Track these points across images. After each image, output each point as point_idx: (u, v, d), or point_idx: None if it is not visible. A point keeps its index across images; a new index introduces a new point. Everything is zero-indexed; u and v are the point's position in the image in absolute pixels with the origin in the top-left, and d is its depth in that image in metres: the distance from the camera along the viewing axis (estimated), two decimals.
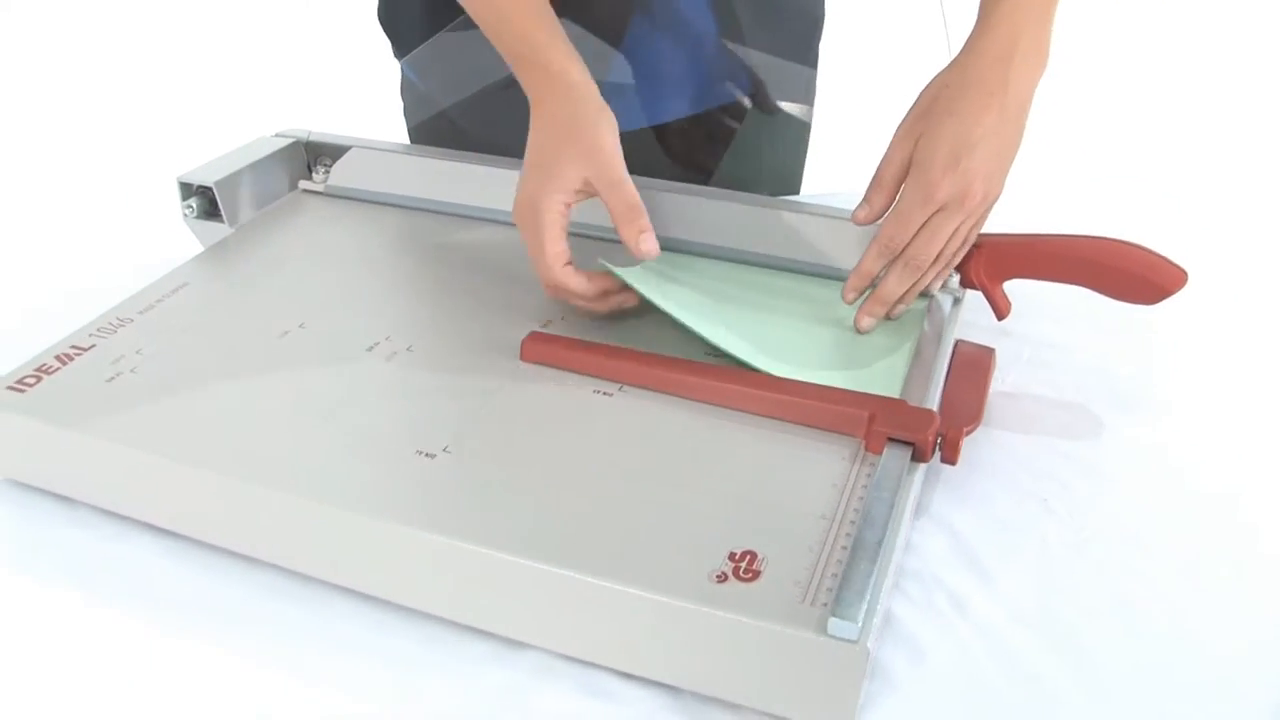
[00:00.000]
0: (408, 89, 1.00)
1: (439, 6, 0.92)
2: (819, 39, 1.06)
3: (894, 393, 0.63)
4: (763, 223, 0.76)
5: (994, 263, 0.73)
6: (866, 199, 0.70)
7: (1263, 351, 0.82)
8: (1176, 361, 0.80)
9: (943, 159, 0.65)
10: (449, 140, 0.97)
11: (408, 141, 1.05)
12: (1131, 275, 0.71)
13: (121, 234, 0.99)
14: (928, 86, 0.69)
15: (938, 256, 0.69)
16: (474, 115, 0.95)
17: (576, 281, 0.67)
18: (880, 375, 0.65)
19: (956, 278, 0.73)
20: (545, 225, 0.66)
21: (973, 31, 0.69)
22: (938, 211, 0.66)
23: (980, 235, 0.73)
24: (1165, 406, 0.75)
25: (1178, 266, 0.71)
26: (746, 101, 1.01)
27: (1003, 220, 0.72)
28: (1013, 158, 0.68)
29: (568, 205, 0.67)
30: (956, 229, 0.68)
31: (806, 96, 1.09)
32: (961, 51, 0.69)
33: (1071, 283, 0.72)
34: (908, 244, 0.68)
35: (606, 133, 0.67)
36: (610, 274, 0.68)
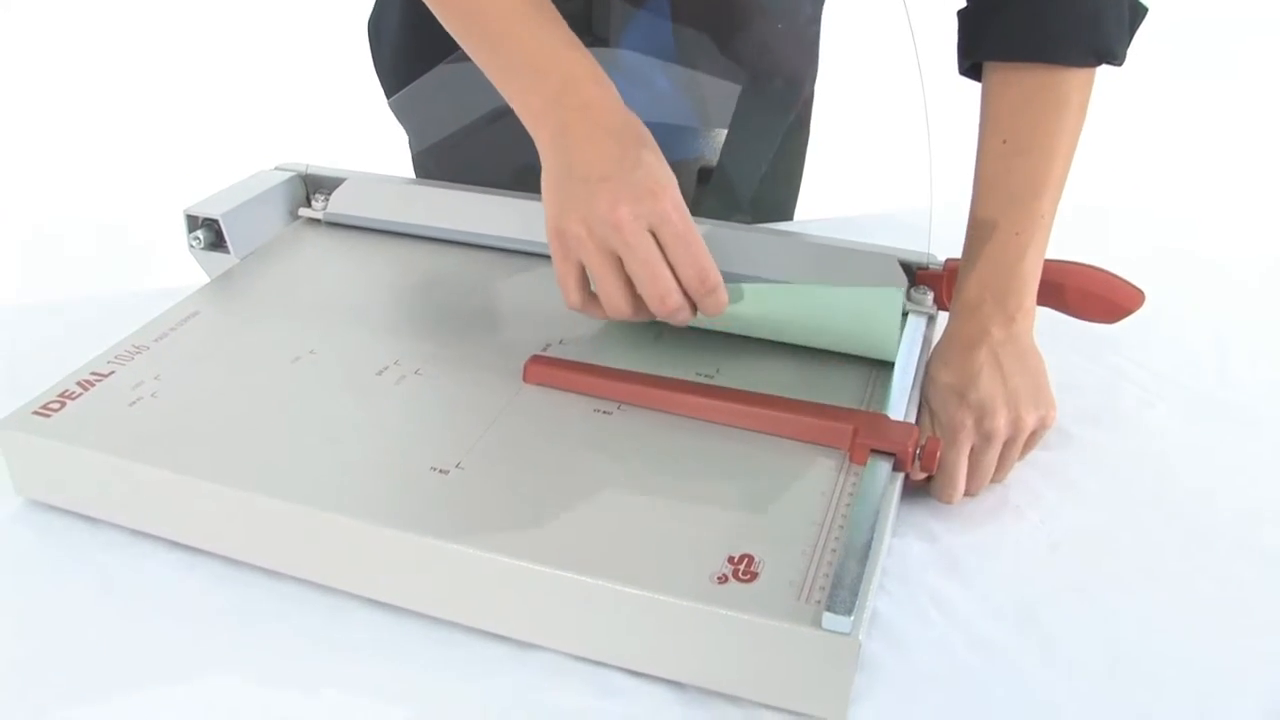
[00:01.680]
0: (413, 128, 1.04)
1: (414, 54, 0.96)
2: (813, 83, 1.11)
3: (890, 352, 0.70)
4: (759, 251, 0.80)
5: None
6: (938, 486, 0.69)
7: (1218, 363, 0.87)
8: (1138, 375, 0.85)
9: (952, 402, 0.68)
10: (451, 168, 1.01)
11: (411, 169, 1.09)
12: (1093, 296, 0.76)
13: (123, 262, 1.03)
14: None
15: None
16: (470, 144, 0.99)
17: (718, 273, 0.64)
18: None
19: (930, 295, 0.77)
20: (684, 213, 0.63)
21: (988, 293, 0.72)
22: (973, 450, 0.68)
23: (950, 259, 0.77)
24: (1128, 418, 0.80)
25: (1135, 287, 0.76)
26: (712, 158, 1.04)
27: None
28: (1036, 375, 0.70)
29: None
30: (1004, 456, 0.69)
31: (801, 124, 1.13)
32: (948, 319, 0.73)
33: (1038, 304, 0.76)
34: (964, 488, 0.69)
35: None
36: None
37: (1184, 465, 0.74)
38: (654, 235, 0.61)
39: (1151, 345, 0.88)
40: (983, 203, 0.73)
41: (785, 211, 1.17)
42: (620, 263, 0.62)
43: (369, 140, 1.11)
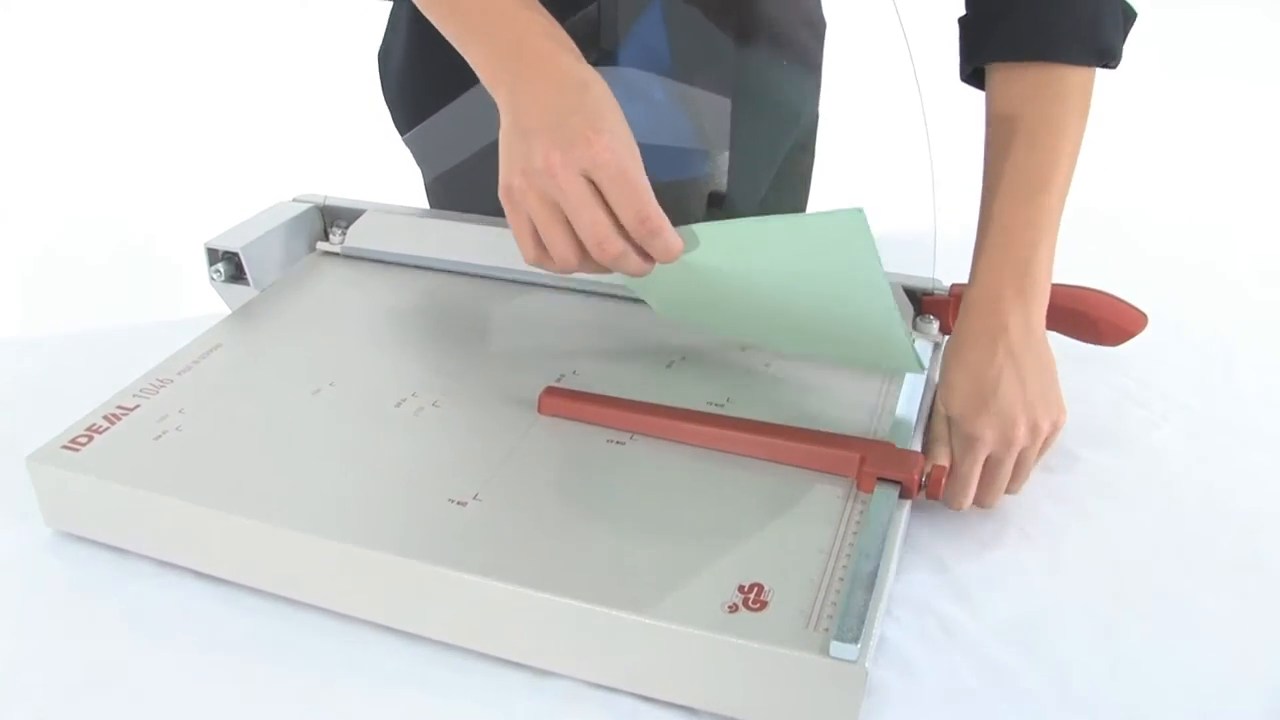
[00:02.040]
0: (424, 158, 1.06)
1: (421, 84, 0.98)
2: (817, 95, 1.12)
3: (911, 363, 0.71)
4: None
5: None
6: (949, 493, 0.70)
7: (1224, 381, 0.88)
8: (1143, 395, 0.86)
9: (972, 408, 0.68)
10: (462, 197, 1.03)
11: (425, 196, 1.11)
12: (1097, 320, 0.78)
13: (145, 288, 1.05)
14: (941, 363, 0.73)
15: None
16: (480, 173, 1.01)
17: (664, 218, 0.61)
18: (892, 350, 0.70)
19: (935, 324, 0.79)
20: (631, 157, 0.61)
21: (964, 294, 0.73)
22: (989, 459, 0.69)
23: (955, 285, 0.79)
24: (1134, 438, 0.81)
25: (1137, 310, 0.78)
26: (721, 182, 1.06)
27: None
28: (1049, 376, 0.70)
29: None
30: (1020, 464, 0.70)
31: (806, 147, 1.15)
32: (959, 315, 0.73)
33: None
34: (976, 496, 0.70)
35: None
36: None
37: (1190, 486, 0.75)
38: (591, 180, 0.60)
39: (1157, 364, 0.89)
40: (993, 197, 0.74)
41: None
42: (562, 212, 0.61)
43: (383, 163, 1.13)
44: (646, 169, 0.61)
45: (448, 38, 0.70)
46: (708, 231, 0.63)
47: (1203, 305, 0.99)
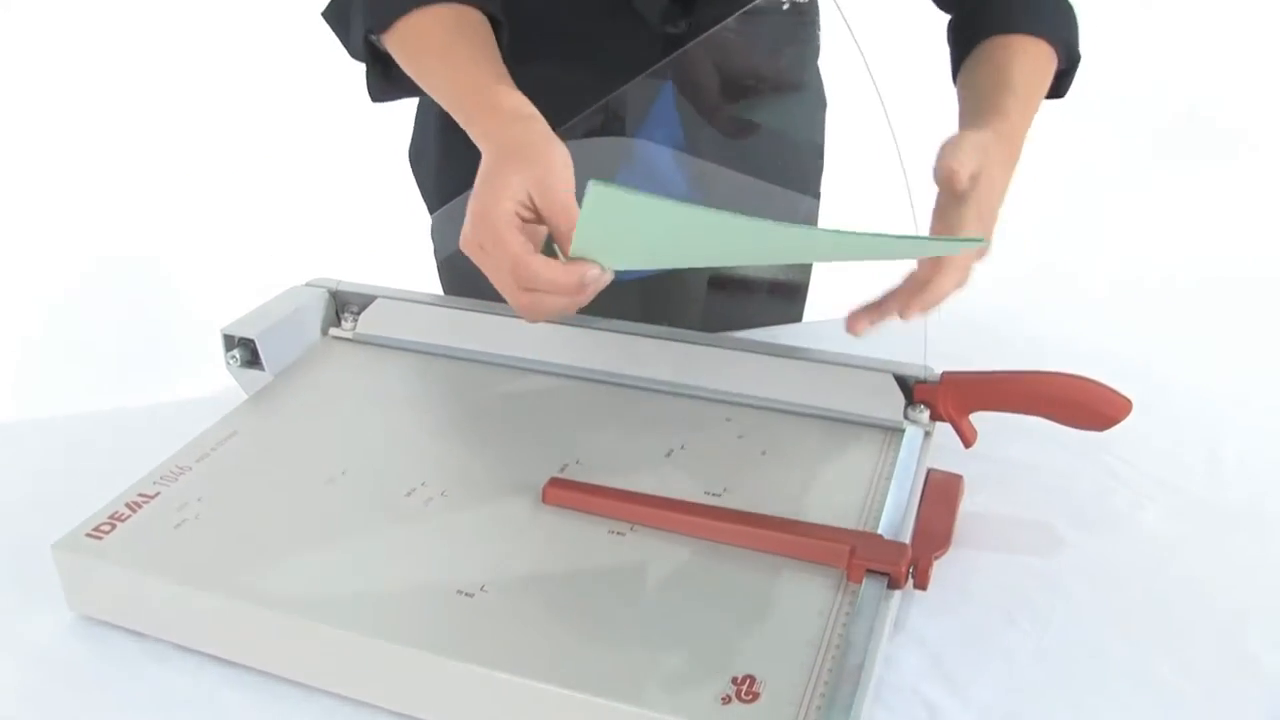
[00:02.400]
0: (438, 237, 1.10)
1: (458, 163, 1.03)
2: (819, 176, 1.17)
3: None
4: (750, 370, 0.85)
5: (960, 398, 0.81)
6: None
7: (1209, 462, 0.90)
8: (1129, 475, 0.88)
9: (987, 219, 0.77)
10: (474, 277, 1.07)
11: (437, 273, 1.15)
12: (1082, 407, 0.80)
13: (166, 366, 1.08)
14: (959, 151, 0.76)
15: None
16: None
17: (551, 271, 0.66)
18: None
19: (926, 412, 0.82)
20: (500, 227, 0.66)
21: (986, 115, 0.82)
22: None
23: (946, 373, 0.82)
24: (1119, 520, 0.83)
25: (1122, 396, 0.80)
26: None
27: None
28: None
29: (518, 215, 0.67)
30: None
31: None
32: (984, 131, 0.80)
33: (1030, 414, 0.81)
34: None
35: (558, 155, 0.69)
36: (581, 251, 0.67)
37: (1174, 569, 0.77)
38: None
39: (1143, 445, 0.90)
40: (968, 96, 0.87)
41: (794, 314, 1.21)
42: None
43: (397, 242, 1.17)
44: None
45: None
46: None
47: (1189, 384, 1.01)
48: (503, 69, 0.79)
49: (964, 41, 0.92)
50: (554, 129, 0.72)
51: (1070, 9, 0.94)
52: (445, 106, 0.80)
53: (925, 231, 0.77)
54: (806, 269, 1.23)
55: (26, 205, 2.09)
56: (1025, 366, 0.81)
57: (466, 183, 0.98)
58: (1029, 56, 0.89)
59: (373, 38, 0.86)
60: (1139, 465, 0.89)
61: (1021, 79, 0.86)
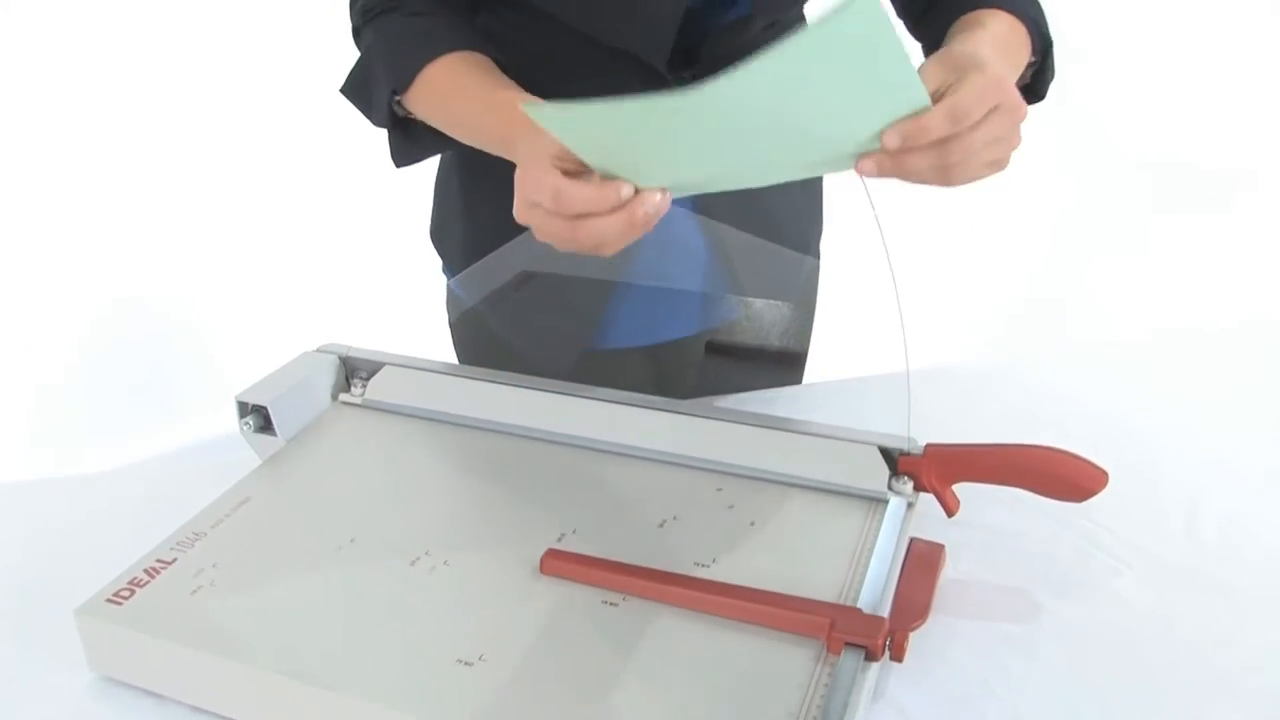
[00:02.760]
0: (451, 299, 1.15)
1: (483, 234, 1.08)
2: (819, 238, 1.20)
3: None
4: (745, 442, 0.89)
5: (943, 469, 0.85)
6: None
7: (1187, 528, 0.93)
8: (1107, 541, 0.91)
9: (995, 68, 0.71)
10: (489, 338, 1.11)
11: (449, 334, 1.20)
12: (1059, 479, 0.83)
13: (187, 432, 1.12)
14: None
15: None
16: (505, 314, 1.09)
17: (587, 191, 0.69)
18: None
19: (910, 483, 0.85)
20: (540, 171, 0.71)
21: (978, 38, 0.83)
22: (995, 110, 0.70)
23: (929, 445, 0.85)
24: (1096, 586, 0.86)
25: (1097, 468, 0.84)
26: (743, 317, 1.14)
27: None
28: None
29: (555, 165, 0.71)
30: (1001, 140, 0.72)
31: (809, 290, 1.22)
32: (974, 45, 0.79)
33: (1009, 485, 0.84)
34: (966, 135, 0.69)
35: None
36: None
37: (1150, 636, 0.80)
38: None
39: (1123, 510, 0.92)
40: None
41: (794, 378, 1.25)
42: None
43: (410, 301, 1.21)
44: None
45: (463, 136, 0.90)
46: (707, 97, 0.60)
47: (1167, 447, 1.04)
48: (519, 90, 0.86)
49: (931, 36, 0.94)
50: None
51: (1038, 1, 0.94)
52: (472, 138, 0.88)
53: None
54: (806, 336, 1.26)
55: (43, 256, 2.15)
56: (1011, 430, 0.84)
57: (491, 247, 1.03)
58: (998, 21, 0.87)
59: (396, 99, 0.91)
60: (1118, 531, 0.92)
61: (995, 34, 0.85)
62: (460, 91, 0.89)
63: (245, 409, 0.95)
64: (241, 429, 0.95)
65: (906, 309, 0.81)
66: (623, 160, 0.69)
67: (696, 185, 0.74)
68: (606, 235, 0.71)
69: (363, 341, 1.04)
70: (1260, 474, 1.01)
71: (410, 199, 1.26)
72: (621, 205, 0.70)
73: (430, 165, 1.16)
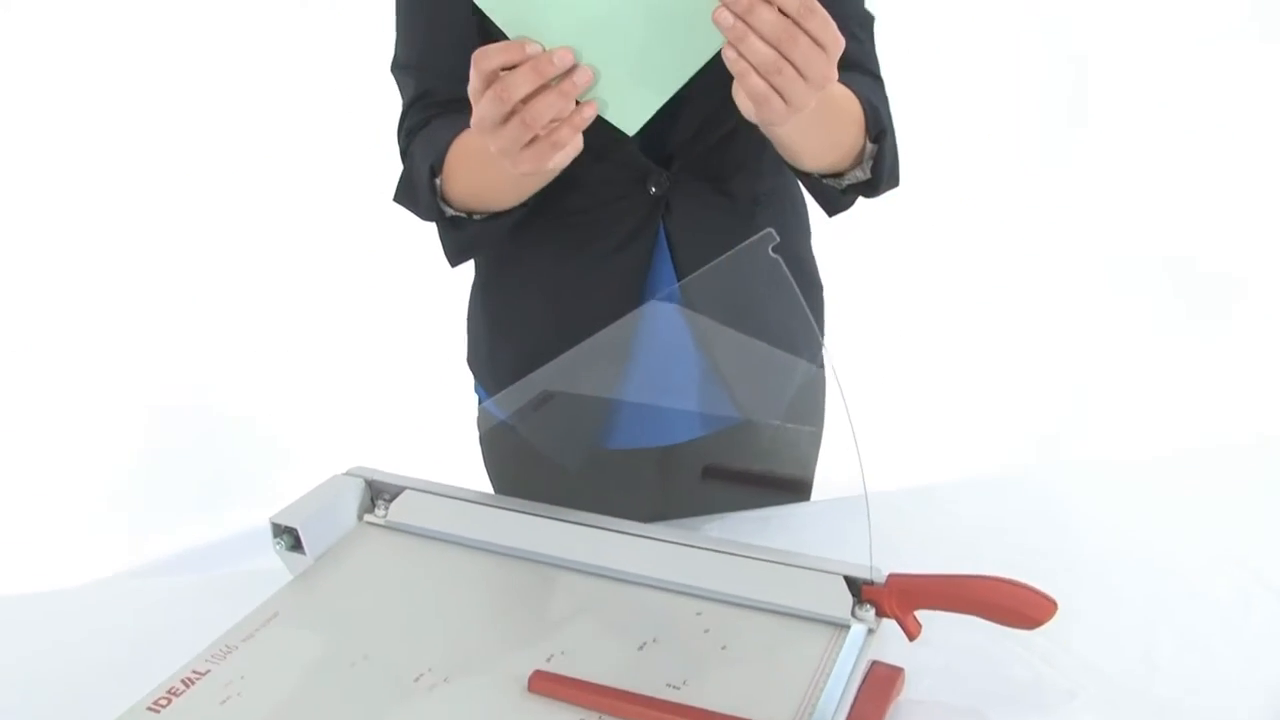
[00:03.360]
0: (483, 415, 1.26)
1: (504, 357, 1.19)
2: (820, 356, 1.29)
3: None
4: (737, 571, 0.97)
5: (903, 597, 0.92)
6: None
7: (1143, 651, 0.98)
8: (1063, 662, 0.96)
9: None
10: (513, 448, 1.22)
11: (479, 447, 1.32)
12: (1010, 611, 0.91)
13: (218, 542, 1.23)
14: None
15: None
16: (528, 424, 1.19)
17: (503, 50, 0.82)
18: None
19: (872, 610, 0.93)
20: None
21: None
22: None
23: (891, 575, 0.93)
24: (1050, 709, 0.92)
25: (1045, 597, 0.91)
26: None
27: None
28: None
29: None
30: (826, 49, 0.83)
31: (811, 399, 1.31)
32: None
33: (966, 613, 0.92)
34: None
35: None
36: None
37: None
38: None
39: (1080, 632, 0.98)
40: None
41: (800, 491, 1.34)
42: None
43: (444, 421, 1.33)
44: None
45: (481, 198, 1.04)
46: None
47: (1126, 569, 1.09)
48: None
49: None
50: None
51: (883, 87, 1.05)
52: (500, 194, 1.01)
53: None
54: (810, 452, 1.35)
55: (116, 364, 2.31)
56: (983, 549, 0.91)
57: (512, 366, 1.13)
58: (837, 87, 0.95)
59: (436, 179, 1.04)
60: (1076, 652, 0.97)
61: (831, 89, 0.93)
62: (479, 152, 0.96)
63: (278, 530, 1.05)
64: (275, 547, 1.05)
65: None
66: (523, 7, 0.83)
67: (595, 45, 0.85)
68: (540, 108, 0.82)
69: (402, 446, 1.15)
70: (1219, 598, 1.05)
71: (448, 327, 1.38)
72: (530, 59, 0.82)
73: (463, 297, 1.29)
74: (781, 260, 0.89)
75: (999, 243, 2.98)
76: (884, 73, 1.14)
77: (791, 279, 0.92)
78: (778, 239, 0.89)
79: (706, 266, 0.99)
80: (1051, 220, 3.02)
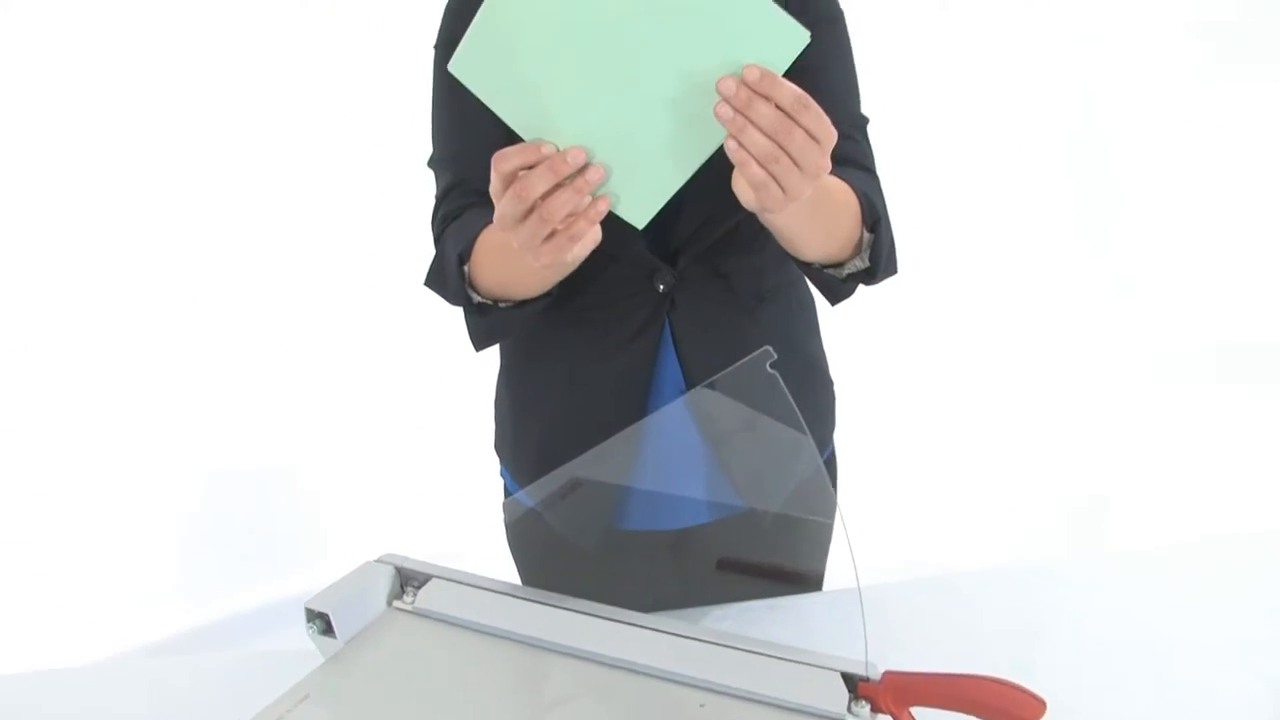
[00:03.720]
0: (509, 504, 1.33)
1: (528, 444, 1.25)
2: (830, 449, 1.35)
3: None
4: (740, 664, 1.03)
5: (898, 694, 0.97)
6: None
7: None
8: None
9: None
10: (537, 535, 1.28)
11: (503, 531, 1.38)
12: (999, 710, 0.96)
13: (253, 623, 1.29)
14: None
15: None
16: (556, 510, 1.25)
17: (521, 152, 0.91)
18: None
19: (867, 706, 0.98)
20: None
21: None
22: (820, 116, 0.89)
23: (887, 672, 0.98)
24: None
25: (1034, 697, 0.95)
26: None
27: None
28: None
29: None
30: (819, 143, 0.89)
31: (824, 498, 1.36)
32: None
33: (958, 711, 0.97)
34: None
35: None
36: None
37: None
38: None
39: None
40: None
41: (811, 579, 1.39)
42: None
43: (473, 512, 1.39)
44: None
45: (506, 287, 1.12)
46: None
47: (1130, 665, 1.13)
48: None
49: None
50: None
51: (878, 182, 1.12)
52: (523, 284, 1.09)
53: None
54: (821, 555, 1.40)
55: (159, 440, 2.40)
56: (983, 645, 0.95)
57: (535, 454, 1.20)
58: (833, 180, 1.04)
59: (464, 266, 1.11)
60: None
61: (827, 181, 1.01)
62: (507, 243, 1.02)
63: (311, 615, 1.11)
64: (307, 631, 1.12)
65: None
66: (537, 113, 0.90)
67: (605, 143, 0.93)
68: (556, 205, 0.90)
69: (431, 528, 1.21)
70: (1224, 690, 1.09)
71: (477, 419, 1.46)
72: (545, 159, 0.89)
73: (489, 396, 1.36)
74: (779, 376, 0.95)
75: (1010, 331, 3.02)
76: (906, 161, 1.21)
77: (788, 395, 0.98)
78: (775, 356, 0.96)
79: (705, 382, 1.07)
80: (1064, 309, 3.06)
